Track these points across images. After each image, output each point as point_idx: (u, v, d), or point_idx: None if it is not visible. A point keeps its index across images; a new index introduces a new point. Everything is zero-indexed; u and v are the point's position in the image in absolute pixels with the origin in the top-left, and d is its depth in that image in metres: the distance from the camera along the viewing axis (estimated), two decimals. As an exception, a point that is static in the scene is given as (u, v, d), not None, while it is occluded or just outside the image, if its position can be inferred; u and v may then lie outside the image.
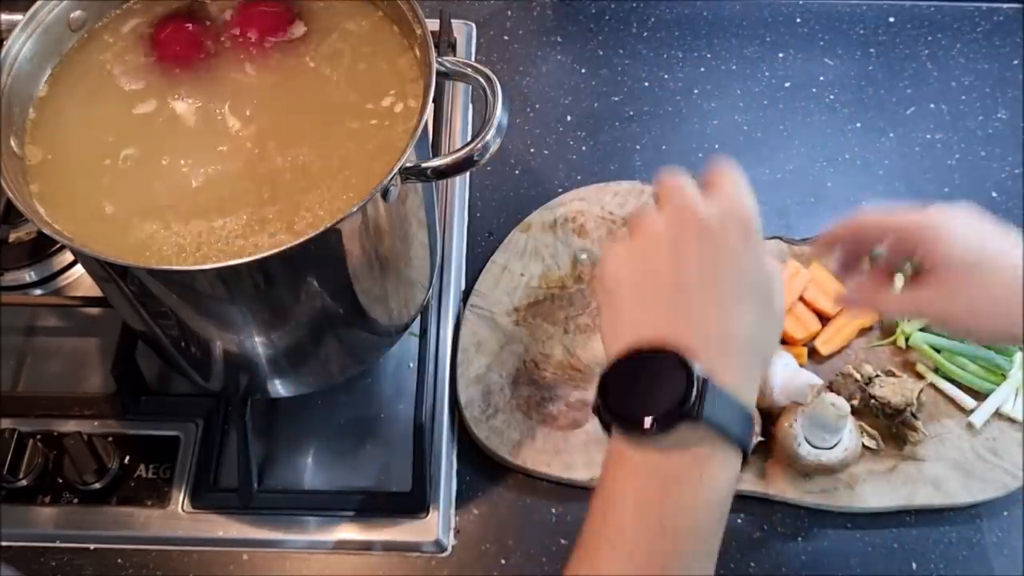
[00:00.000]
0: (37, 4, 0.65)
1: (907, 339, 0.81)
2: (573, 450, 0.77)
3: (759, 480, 0.75)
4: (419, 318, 0.79)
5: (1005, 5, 1.06)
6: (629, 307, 0.49)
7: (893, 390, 0.77)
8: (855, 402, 0.78)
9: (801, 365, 0.80)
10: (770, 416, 0.75)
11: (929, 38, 1.05)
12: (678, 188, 0.52)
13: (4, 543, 0.73)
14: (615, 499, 0.47)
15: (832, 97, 1.00)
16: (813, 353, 0.81)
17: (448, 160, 0.59)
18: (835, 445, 0.71)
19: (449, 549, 0.74)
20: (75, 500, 0.74)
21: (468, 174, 0.93)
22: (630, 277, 0.50)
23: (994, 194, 0.93)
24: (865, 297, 0.63)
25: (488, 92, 0.61)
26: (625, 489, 0.46)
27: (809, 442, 0.71)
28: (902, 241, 0.60)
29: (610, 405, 0.46)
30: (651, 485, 0.46)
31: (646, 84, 1.01)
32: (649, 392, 0.45)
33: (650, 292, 0.48)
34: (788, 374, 0.72)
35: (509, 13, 1.06)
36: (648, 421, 0.44)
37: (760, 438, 0.74)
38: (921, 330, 0.81)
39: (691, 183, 0.52)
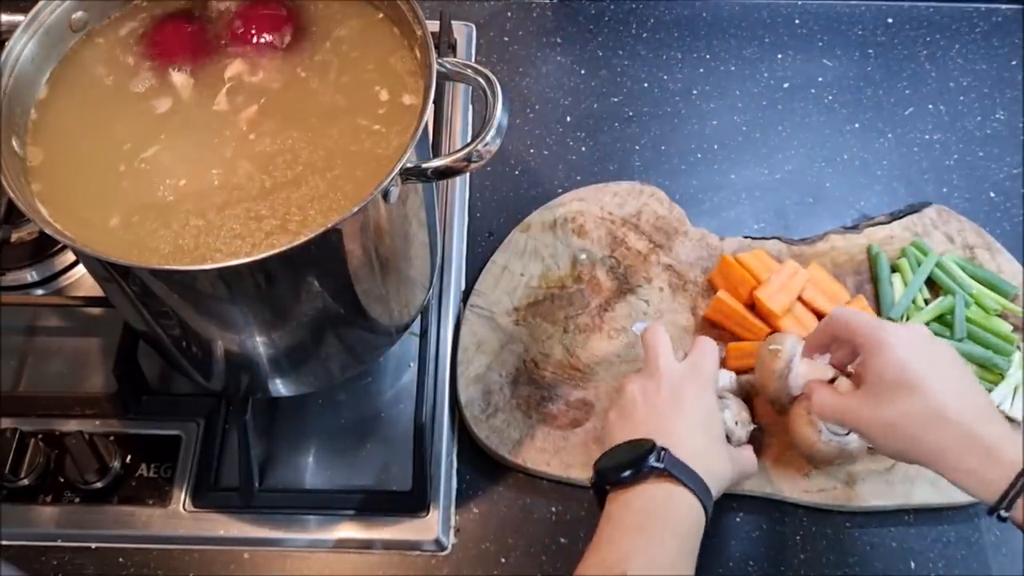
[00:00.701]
0: (39, 5, 0.65)
1: (906, 339, 0.81)
2: (573, 449, 0.77)
3: (759, 480, 0.76)
4: (419, 318, 0.79)
5: (1003, 6, 1.07)
6: (617, 429, 0.69)
7: (892, 389, 0.77)
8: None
9: (800, 365, 0.80)
10: (782, 408, 0.74)
11: (928, 39, 1.05)
12: (654, 348, 0.72)
13: (5, 542, 0.74)
14: (602, 538, 0.63)
15: (831, 98, 1.00)
16: (812, 353, 0.81)
17: (448, 160, 0.60)
18: (850, 431, 0.71)
19: (449, 548, 0.75)
20: (76, 499, 0.75)
21: (468, 174, 0.93)
22: (619, 411, 0.71)
23: (992, 194, 0.93)
24: (809, 387, 0.71)
25: (488, 93, 0.61)
26: (618, 522, 0.63)
27: (828, 428, 0.71)
28: (853, 348, 0.68)
29: (599, 470, 0.66)
30: (634, 520, 0.62)
31: (645, 85, 1.01)
32: (626, 460, 0.65)
33: (628, 419, 0.69)
34: (807, 361, 0.72)
35: (509, 14, 1.07)
36: (626, 472, 0.64)
37: (753, 425, 0.74)
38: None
39: (668, 344, 0.73)
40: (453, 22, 1.00)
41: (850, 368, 0.71)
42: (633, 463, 0.64)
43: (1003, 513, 0.58)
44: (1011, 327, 0.82)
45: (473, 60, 1.01)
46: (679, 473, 0.63)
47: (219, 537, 0.74)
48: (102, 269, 0.60)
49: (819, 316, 0.82)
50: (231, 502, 0.74)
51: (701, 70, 1.02)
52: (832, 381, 0.71)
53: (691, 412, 0.68)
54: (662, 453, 0.63)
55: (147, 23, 0.70)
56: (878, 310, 0.83)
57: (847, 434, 0.71)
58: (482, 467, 0.78)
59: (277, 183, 0.61)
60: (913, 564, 0.74)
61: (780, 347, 0.72)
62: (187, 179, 0.62)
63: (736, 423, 0.73)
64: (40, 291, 0.86)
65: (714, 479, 0.65)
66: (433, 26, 0.84)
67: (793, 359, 0.72)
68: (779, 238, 0.88)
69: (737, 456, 0.70)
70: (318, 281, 0.61)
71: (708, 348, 0.72)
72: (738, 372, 0.81)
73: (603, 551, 0.62)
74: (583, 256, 0.87)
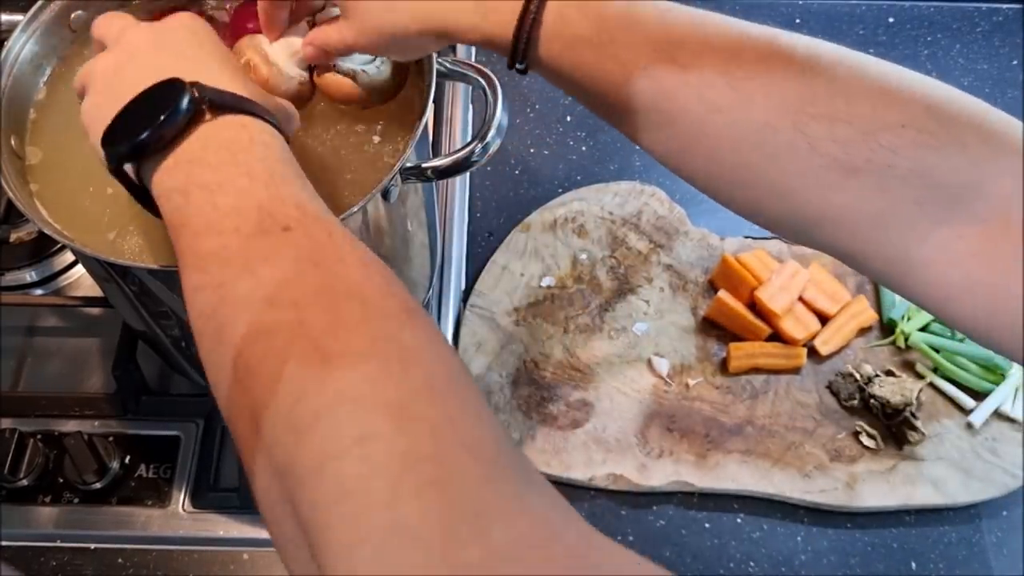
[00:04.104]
0: (38, 4, 0.65)
1: (906, 339, 0.81)
2: (573, 450, 0.77)
3: (759, 480, 0.75)
4: (419, 318, 0.79)
5: (1005, 6, 1.06)
6: (102, 109, 0.49)
7: (892, 390, 0.77)
8: (854, 402, 0.79)
9: (800, 365, 0.80)
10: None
11: (928, 38, 1.05)
12: (105, 26, 0.54)
13: (4, 543, 0.73)
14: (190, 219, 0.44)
15: (832, 97, 1.00)
16: (813, 353, 0.81)
17: (448, 160, 0.60)
18: (373, 61, 0.61)
19: (449, 549, 0.74)
20: (75, 500, 0.74)
21: (468, 174, 0.93)
22: (91, 98, 0.52)
23: (993, 194, 0.93)
24: (307, 52, 0.58)
25: (488, 92, 0.61)
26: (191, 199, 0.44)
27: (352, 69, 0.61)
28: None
29: (111, 133, 0.46)
30: (219, 160, 0.44)
31: (646, 84, 1.01)
32: (148, 111, 0.45)
33: (109, 93, 0.49)
34: (281, 43, 0.61)
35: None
36: (161, 118, 0.44)
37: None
38: (921, 330, 0.81)
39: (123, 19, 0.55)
40: (453, 22, 0.99)
41: (320, 17, 0.61)
42: (163, 107, 0.44)
43: (519, 66, 0.50)
44: (1012, 327, 0.82)
45: (473, 59, 1.01)
46: (232, 102, 0.46)
47: (219, 538, 0.74)
48: (101, 269, 0.60)
49: (820, 316, 0.82)
50: (231, 502, 0.74)
51: (701, 70, 1.02)
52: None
53: (188, 49, 0.50)
54: (193, 87, 0.45)
55: (145, 20, 0.69)
56: (879, 310, 0.83)
57: (373, 62, 0.61)
58: (482, 467, 0.78)
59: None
60: (914, 565, 0.74)
61: (247, 56, 0.59)
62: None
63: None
64: (39, 291, 0.85)
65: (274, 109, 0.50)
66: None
67: (268, 57, 0.61)
68: (780, 238, 0.88)
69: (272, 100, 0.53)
70: (318, 281, 0.61)
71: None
72: (738, 373, 0.81)
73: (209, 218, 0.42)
74: (583, 256, 0.87)
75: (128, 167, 0.46)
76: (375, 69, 0.60)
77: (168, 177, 0.45)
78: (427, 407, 0.35)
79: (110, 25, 0.53)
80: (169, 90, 0.45)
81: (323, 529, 0.33)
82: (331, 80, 0.61)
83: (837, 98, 0.43)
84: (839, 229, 0.44)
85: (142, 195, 0.47)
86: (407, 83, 0.62)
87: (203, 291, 0.41)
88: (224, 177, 0.43)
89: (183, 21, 0.52)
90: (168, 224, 0.44)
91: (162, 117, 0.44)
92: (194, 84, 0.45)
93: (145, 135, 0.44)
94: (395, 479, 0.32)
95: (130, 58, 0.50)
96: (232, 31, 0.67)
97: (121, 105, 0.46)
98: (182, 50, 0.50)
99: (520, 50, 0.49)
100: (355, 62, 0.60)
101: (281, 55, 0.60)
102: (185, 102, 0.44)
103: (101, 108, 0.48)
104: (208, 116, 0.45)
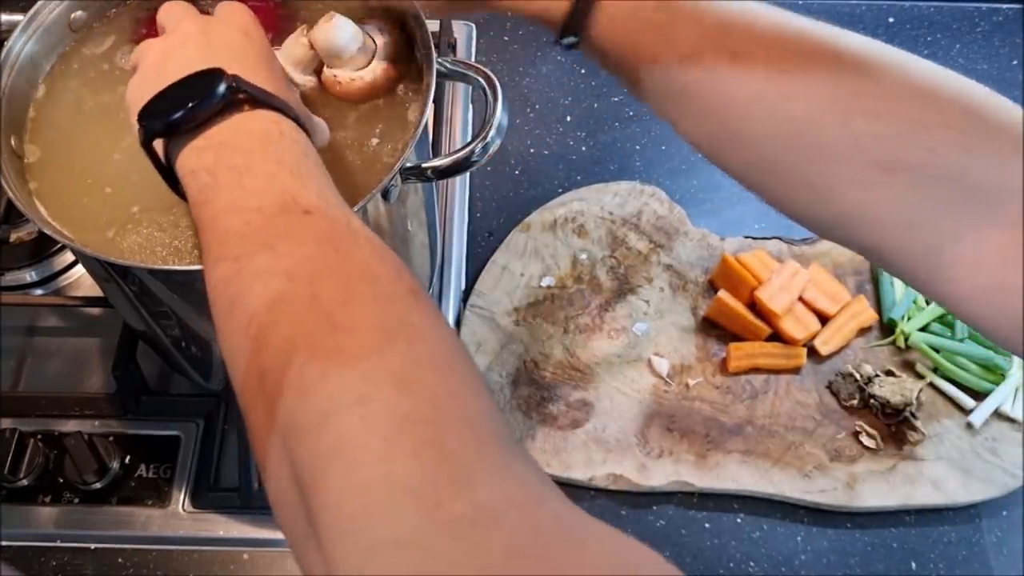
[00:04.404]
0: (38, 5, 0.65)
1: (906, 339, 0.81)
2: (572, 450, 0.77)
3: (759, 480, 0.75)
4: (419, 318, 0.79)
5: (1005, 6, 1.06)
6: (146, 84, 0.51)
7: (892, 390, 0.77)
8: (854, 402, 0.79)
9: (800, 365, 0.80)
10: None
11: (928, 38, 1.05)
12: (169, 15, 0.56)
13: (4, 543, 0.73)
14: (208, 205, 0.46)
15: (832, 97, 1.00)
16: (813, 353, 0.81)
17: (448, 160, 0.60)
18: (367, 66, 0.63)
19: (449, 549, 0.74)
20: (76, 500, 0.74)
21: (468, 174, 0.93)
22: (139, 77, 0.53)
23: (993, 194, 0.93)
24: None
25: (488, 92, 0.61)
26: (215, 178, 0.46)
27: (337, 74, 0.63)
28: None
29: (148, 110, 0.48)
30: (251, 148, 0.46)
31: (646, 84, 1.01)
32: (183, 96, 0.47)
33: (157, 71, 0.51)
34: (284, 55, 0.63)
35: (509, 14, 1.06)
36: (193, 103, 0.46)
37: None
38: (921, 330, 0.81)
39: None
40: (453, 21, 0.99)
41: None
42: (200, 91, 0.46)
43: (570, 39, 0.51)
44: (1012, 327, 0.82)
45: (473, 59, 1.01)
46: (266, 98, 0.48)
47: (219, 537, 0.74)
48: (101, 269, 0.60)
49: (820, 316, 0.82)
50: (231, 502, 0.74)
51: (701, 70, 1.02)
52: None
53: (236, 46, 0.52)
54: (232, 79, 0.47)
55: (145, 22, 0.69)
56: (879, 310, 0.83)
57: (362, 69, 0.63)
58: (482, 467, 0.78)
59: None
60: (914, 565, 0.74)
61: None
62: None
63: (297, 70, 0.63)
64: (39, 291, 0.85)
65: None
66: (433, 25, 0.84)
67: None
68: (780, 238, 0.88)
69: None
70: (318, 281, 0.61)
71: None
72: (738, 373, 0.81)
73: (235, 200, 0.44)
74: (583, 256, 0.87)
75: (158, 146, 0.48)
76: (369, 73, 0.62)
77: (197, 157, 0.46)
78: (430, 377, 0.36)
79: (172, 12, 0.56)
80: (209, 77, 0.47)
81: (319, 482, 0.34)
82: (334, 79, 0.62)
83: (883, 97, 0.44)
84: (870, 225, 0.45)
85: (168, 173, 0.49)
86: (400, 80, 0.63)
87: (222, 263, 0.42)
88: (253, 162, 0.45)
89: (237, 18, 0.54)
90: (192, 203, 0.46)
91: (198, 100, 0.46)
92: (234, 76, 0.47)
93: (179, 114, 0.46)
94: (392, 436, 0.33)
95: (181, 45, 0.52)
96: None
97: (164, 86, 0.48)
98: (231, 45, 0.52)
99: (576, 21, 0.50)
100: (349, 68, 0.62)
101: (286, 64, 0.61)
102: (222, 88, 0.46)
103: (144, 86, 0.50)
104: (244, 107, 0.47)
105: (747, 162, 0.49)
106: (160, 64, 0.51)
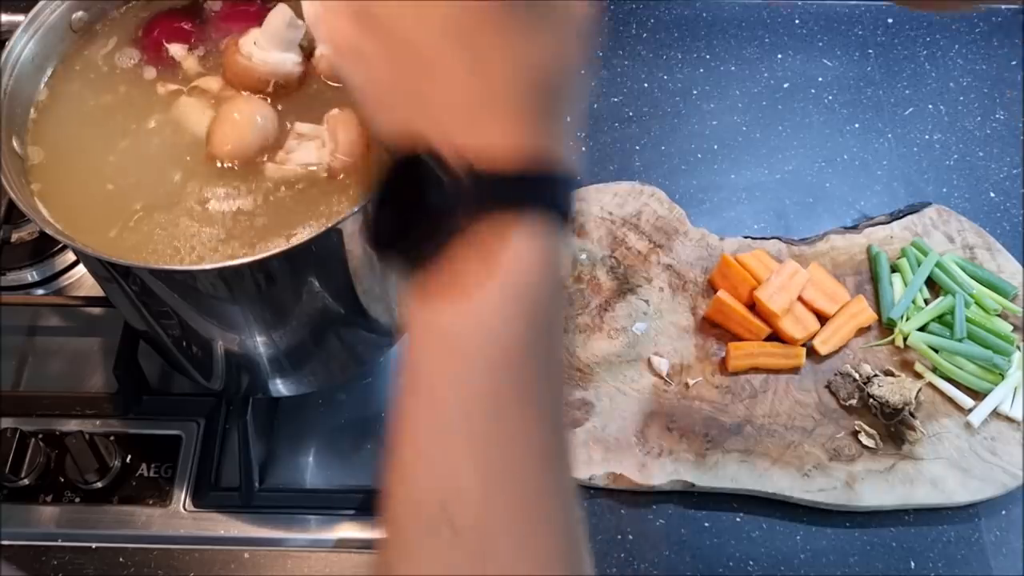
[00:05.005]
0: (39, 5, 0.65)
1: (905, 339, 0.81)
2: (572, 449, 0.77)
3: (758, 479, 0.76)
4: (419, 318, 0.79)
5: (1004, 6, 1.07)
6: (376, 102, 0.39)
7: (891, 389, 0.77)
8: (853, 401, 0.79)
9: (799, 365, 0.80)
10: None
11: (927, 39, 1.05)
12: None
13: (5, 542, 0.74)
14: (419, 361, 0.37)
15: (831, 98, 1.00)
16: (812, 353, 0.81)
17: (448, 160, 0.60)
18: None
19: (449, 548, 0.74)
20: (77, 499, 0.75)
21: (468, 174, 0.93)
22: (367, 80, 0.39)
23: (992, 195, 0.93)
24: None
25: (488, 93, 0.61)
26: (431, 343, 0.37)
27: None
28: None
29: (375, 235, 0.37)
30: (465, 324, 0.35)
31: (645, 85, 1.01)
32: (414, 207, 0.35)
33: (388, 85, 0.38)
34: (264, 35, 0.63)
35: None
36: (421, 246, 0.35)
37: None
38: (920, 330, 0.81)
39: None
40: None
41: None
42: (424, 220, 0.35)
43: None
44: (1011, 327, 0.82)
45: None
46: (509, 198, 0.34)
47: (219, 537, 0.74)
48: (102, 269, 0.60)
49: (819, 316, 0.82)
50: (231, 502, 0.74)
51: (701, 70, 1.02)
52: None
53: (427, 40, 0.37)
54: (467, 180, 0.34)
55: (146, 22, 0.70)
56: (878, 310, 0.83)
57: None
58: (482, 467, 0.78)
59: (276, 183, 0.61)
60: (913, 564, 0.74)
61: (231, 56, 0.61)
62: (183, 177, 0.62)
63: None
64: (40, 291, 0.86)
65: (557, 125, 0.38)
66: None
67: (242, 50, 0.63)
68: (779, 238, 0.88)
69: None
70: (318, 281, 0.61)
71: None
72: (737, 372, 0.81)
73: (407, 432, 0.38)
74: (583, 256, 0.87)
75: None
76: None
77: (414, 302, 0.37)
78: None
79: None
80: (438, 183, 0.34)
81: None
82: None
83: None
84: None
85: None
86: None
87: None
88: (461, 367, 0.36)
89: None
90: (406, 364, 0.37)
91: (427, 234, 0.35)
92: (467, 170, 0.34)
93: (397, 247, 0.36)
94: None
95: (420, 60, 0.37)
96: (222, 28, 0.68)
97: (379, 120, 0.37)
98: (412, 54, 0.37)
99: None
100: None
101: (261, 45, 0.62)
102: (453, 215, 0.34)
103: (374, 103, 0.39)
104: (477, 222, 0.34)
105: None
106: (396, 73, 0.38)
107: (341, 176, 0.60)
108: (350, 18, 0.38)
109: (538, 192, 0.36)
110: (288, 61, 0.64)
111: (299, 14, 0.63)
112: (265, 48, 0.63)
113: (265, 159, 0.62)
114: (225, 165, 0.62)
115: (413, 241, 0.36)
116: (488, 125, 0.36)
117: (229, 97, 0.64)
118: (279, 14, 0.62)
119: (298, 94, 0.65)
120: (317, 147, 0.61)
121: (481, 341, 0.35)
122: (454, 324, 0.36)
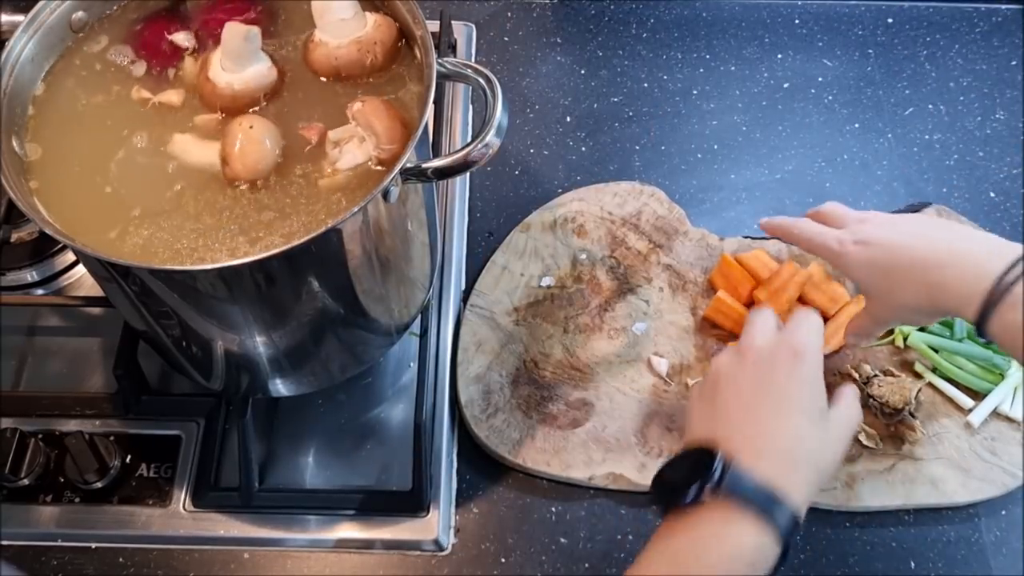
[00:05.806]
0: (39, 5, 0.65)
1: (905, 339, 0.81)
2: (572, 449, 0.77)
3: (758, 479, 0.76)
4: (419, 318, 0.79)
5: (1003, 6, 1.07)
6: (695, 413, 0.64)
7: (891, 389, 0.77)
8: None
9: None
10: None
11: (927, 39, 1.05)
12: (752, 322, 0.65)
13: (5, 542, 0.74)
14: (651, 557, 0.57)
15: (831, 98, 1.00)
16: (812, 353, 0.81)
17: (448, 160, 0.60)
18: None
19: (449, 548, 0.75)
20: (76, 499, 0.75)
21: (468, 174, 0.93)
22: (700, 390, 0.65)
23: (992, 194, 0.93)
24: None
25: (488, 93, 0.61)
26: (660, 547, 0.57)
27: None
28: None
29: (656, 487, 0.60)
30: (681, 544, 0.56)
31: (645, 85, 1.01)
32: (680, 479, 0.58)
33: (708, 403, 0.63)
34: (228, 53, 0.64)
35: (509, 14, 1.07)
36: (681, 497, 0.56)
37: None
38: (920, 330, 0.81)
39: (770, 318, 0.65)
40: (453, 22, 1.00)
41: None
42: (687, 482, 0.56)
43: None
44: (1011, 327, 0.82)
45: (473, 60, 1.01)
46: (744, 495, 0.54)
47: (219, 537, 0.74)
48: (102, 269, 0.60)
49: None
50: (231, 502, 0.74)
51: (701, 70, 1.02)
52: None
53: (782, 399, 0.59)
54: (725, 469, 0.55)
55: (144, 22, 0.70)
56: (878, 310, 0.83)
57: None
58: (482, 467, 0.78)
59: (276, 183, 0.61)
60: (913, 564, 0.74)
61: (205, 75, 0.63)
62: (182, 177, 0.62)
63: None
64: (40, 291, 0.86)
65: (804, 488, 0.57)
66: (433, 26, 0.84)
67: (208, 74, 0.64)
68: (779, 238, 0.88)
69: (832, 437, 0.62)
70: (318, 281, 0.61)
71: (805, 317, 0.64)
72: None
73: None
74: (583, 256, 0.87)
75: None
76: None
77: (665, 518, 0.59)
78: None
79: (758, 327, 0.64)
80: (703, 465, 0.57)
81: None
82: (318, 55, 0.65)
83: None
84: None
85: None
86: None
87: None
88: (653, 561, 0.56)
89: (800, 348, 0.62)
90: None
91: (684, 498, 0.56)
92: (725, 465, 0.56)
93: (665, 499, 0.59)
94: None
95: (728, 381, 0.63)
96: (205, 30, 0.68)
97: (693, 427, 0.63)
98: (767, 393, 0.61)
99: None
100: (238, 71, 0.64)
101: (228, 67, 0.63)
102: (709, 482, 0.56)
103: (691, 415, 0.65)
104: (710, 500, 0.57)
105: None
106: (699, 399, 0.64)
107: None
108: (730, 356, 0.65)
109: (767, 506, 0.55)
110: (262, 70, 0.64)
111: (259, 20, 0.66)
112: (232, 69, 0.63)
113: (314, 176, 0.61)
114: (242, 186, 0.61)
115: (676, 492, 0.57)
116: (760, 460, 0.57)
117: (226, 121, 0.64)
118: (232, 32, 0.63)
119: (290, 96, 0.65)
120: (357, 145, 0.61)
121: (694, 559, 0.55)
122: (681, 545, 0.56)
